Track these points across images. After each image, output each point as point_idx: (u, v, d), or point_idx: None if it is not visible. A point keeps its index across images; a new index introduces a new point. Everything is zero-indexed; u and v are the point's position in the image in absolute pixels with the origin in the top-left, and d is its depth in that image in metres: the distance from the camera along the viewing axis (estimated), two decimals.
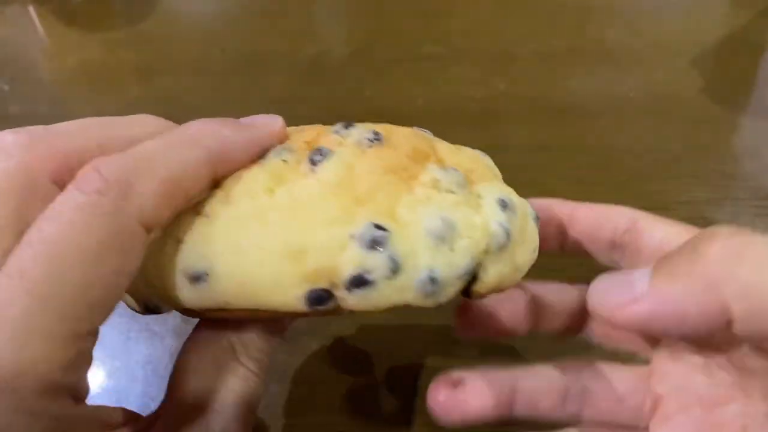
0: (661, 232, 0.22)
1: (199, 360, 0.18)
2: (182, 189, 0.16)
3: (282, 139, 0.20)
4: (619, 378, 0.22)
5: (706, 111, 0.43)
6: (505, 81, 0.46)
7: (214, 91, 0.47)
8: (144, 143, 0.17)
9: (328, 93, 0.47)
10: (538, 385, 0.22)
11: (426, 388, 0.22)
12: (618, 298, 0.19)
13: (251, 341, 0.19)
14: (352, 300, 0.17)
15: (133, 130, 0.18)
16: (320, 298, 0.17)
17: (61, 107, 0.47)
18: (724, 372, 0.20)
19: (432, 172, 0.19)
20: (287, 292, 0.17)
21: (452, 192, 0.18)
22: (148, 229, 0.16)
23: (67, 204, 0.15)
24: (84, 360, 0.15)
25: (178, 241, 0.17)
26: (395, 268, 0.17)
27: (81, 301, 0.15)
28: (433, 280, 0.17)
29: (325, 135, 0.19)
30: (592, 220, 0.23)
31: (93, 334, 0.15)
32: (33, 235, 0.15)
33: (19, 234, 0.15)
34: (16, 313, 0.14)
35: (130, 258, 0.15)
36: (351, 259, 0.17)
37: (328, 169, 0.18)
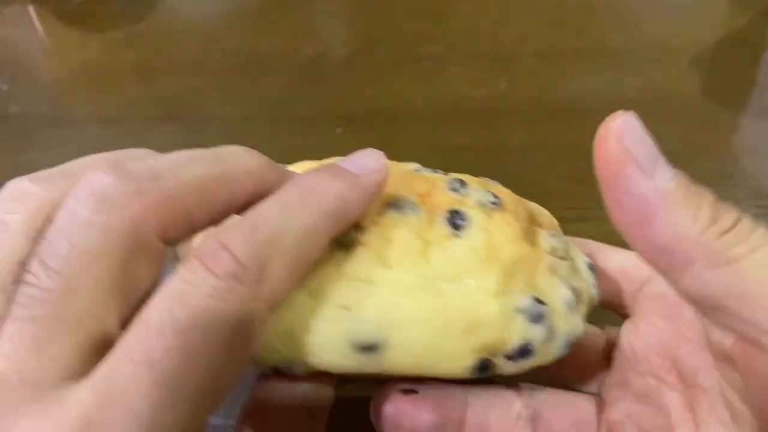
0: (619, 258, 0.22)
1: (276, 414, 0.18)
2: (309, 261, 0.16)
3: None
4: (573, 405, 0.21)
5: (705, 111, 0.43)
6: (505, 81, 0.46)
7: (214, 91, 0.47)
8: (262, 209, 0.16)
9: (328, 93, 0.47)
10: (490, 403, 0.20)
11: None
12: (639, 150, 0.16)
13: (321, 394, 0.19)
14: (511, 367, 0.18)
15: (232, 170, 0.16)
16: (484, 367, 0.18)
17: (61, 107, 0.47)
18: (674, 392, 0.19)
19: (546, 238, 0.20)
20: (458, 363, 0.17)
21: (564, 258, 0.20)
22: (273, 309, 0.15)
23: (201, 287, 0.14)
24: None
25: (344, 308, 0.17)
26: (550, 338, 0.18)
27: (208, 392, 0.14)
28: (569, 345, 0.19)
29: (441, 191, 0.19)
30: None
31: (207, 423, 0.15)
32: (164, 318, 0.13)
33: (127, 296, 0.14)
34: (143, 408, 0.12)
35: (255, 342, 0.15)
36: (518, 332, 0.17)
37: (473, 236, 0.18)
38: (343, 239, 0.18)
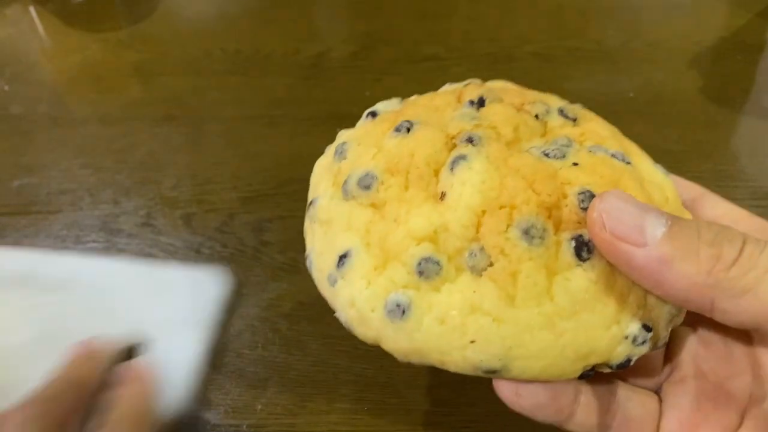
0: (722, 209, 0.21)
1: None
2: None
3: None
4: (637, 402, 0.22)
5: (704, 111, 0.44)
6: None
7: (215, 91, 0.48)
8: None
9: (328, 93, 0.47)
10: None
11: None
12: (623, 230, 0.17)
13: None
14: (609, 370, 0.20)
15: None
16: (587, 375, 0.20)
17: (61, 107, 0.47)
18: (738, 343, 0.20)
19: None
20: (568, 376, 0.19)
21: None
22: None
23: None
24: None
25: (471, 342, 0.19)
26: (652, 348, 0.20)
27: None
28: (655, 350, 0.20)
29: (570, 210, 0.19)
30: None
31: None
32: None
33: None
34: None
35: None
36: (624, 353, 0.19)
37: (595, 266, 0.19)
38: (476, 264, 0.19)
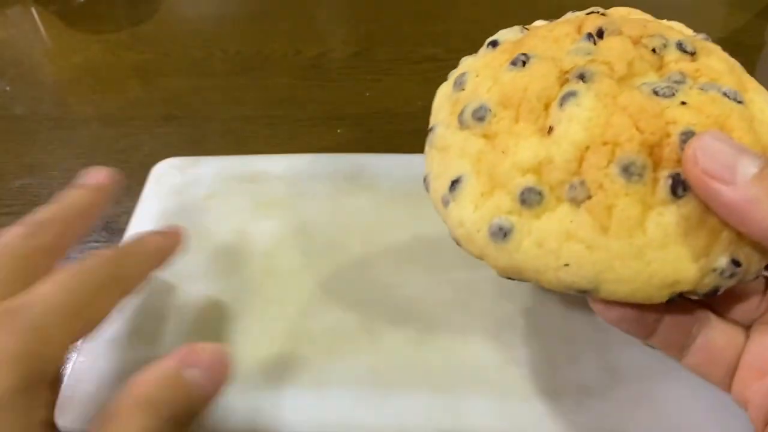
0: None
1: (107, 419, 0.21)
2: (144, 274, 0.27)
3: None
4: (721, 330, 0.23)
5: None
6: None
7: (215, 92, 0.48)
8: (122, 245, 0.29)
9: (329, 94, 0.47)
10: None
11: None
12: (715, 168, 0.18)
13: (149, 391, 0.22)
14: (696, 297, 0.21)
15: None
16: (673, 299, 0.21)
17: (63, 108, 0.48)
18: None
19: None
20: (655, 300, 0.21)
21: None
22: None
23: None
24: None
25: (565, 265, 0.20)
26: (742, 281, 0.21)
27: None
28: (746, 282, 0.22)
29: (673, 147, 0.20)
30: None
31: None
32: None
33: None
34: None
35: None
36: (712, 283, 0.20)
37: (690, 202, 0.20)
38: (576, 196, 0.20)
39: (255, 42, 0.53)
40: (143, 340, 0.29)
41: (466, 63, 0.26)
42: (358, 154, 0.35)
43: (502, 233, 0.21)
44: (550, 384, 0.27)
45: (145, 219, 0.36)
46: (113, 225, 0.38)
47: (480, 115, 0.22)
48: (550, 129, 0.21)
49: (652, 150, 0.20)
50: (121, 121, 0.46)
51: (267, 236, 0.34)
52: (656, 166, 0.20)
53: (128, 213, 0.39)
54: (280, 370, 0.28)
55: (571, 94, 0.21)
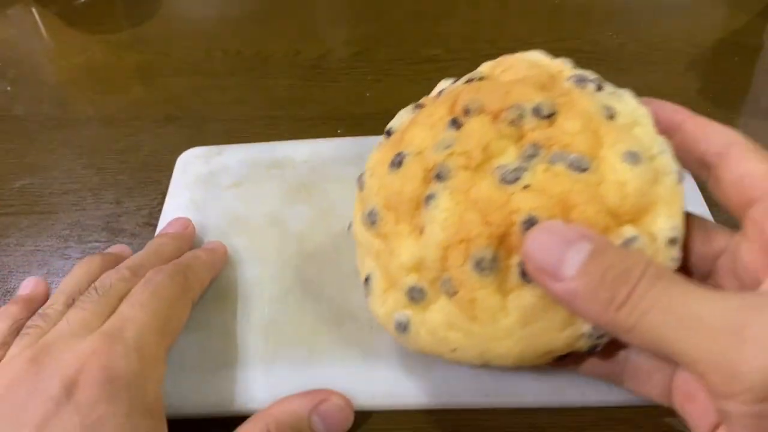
0: (746, 166, 0.21)
1: None
2: (204, 283, 0.31)
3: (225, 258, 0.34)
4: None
5: (703, 112, 0.43)
6: None
7: (216, 92, 0.48)
8: (181, 259, 0.30)
9: (329, 94, 0.47)
10: None
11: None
12: (544, 265, 0.20)
13: (282, 424, 0.25)
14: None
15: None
16: (564, 357, 0.24)
17: (64, 108, 0.48)
18: None
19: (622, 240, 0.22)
20: (542, 363, 0.24)
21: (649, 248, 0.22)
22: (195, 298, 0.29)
23: (162, 277, 0.28)
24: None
25: (454, 350, 0.23)
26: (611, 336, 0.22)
27: (168, 326, 0.26)
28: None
29: (514, 234, 0.22)
30: (692, 132, 0.23)
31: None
32: (147, 285, 0.27)
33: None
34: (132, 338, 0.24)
35: (191, 303, 0.29)
36: (586, 344, 0.23)
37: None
38: (448, 290, 0.23)
39: (255, 42, 0.53)
40: (186, 325, 0.30)
41: (369, 159, 0.28)
42: (380, 136, 0.35)
43: (402, 327, 0.24)
44: None
45: (176, 210, 0.36)
46: (114, 225, 0.38)
47: (372, 219, 0.25)
48: (422, 229, 0.23)
49: (502, 240, 0.22)
50: (121, 121, 0.46)
51: (298, 220, 0.35)
52: (508, 254, 0.22)
53: (129, 213, 0.39)
54: (324, 349, 0.29)
55: (431, 197, 0.23)
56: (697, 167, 0.23)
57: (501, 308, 0.22)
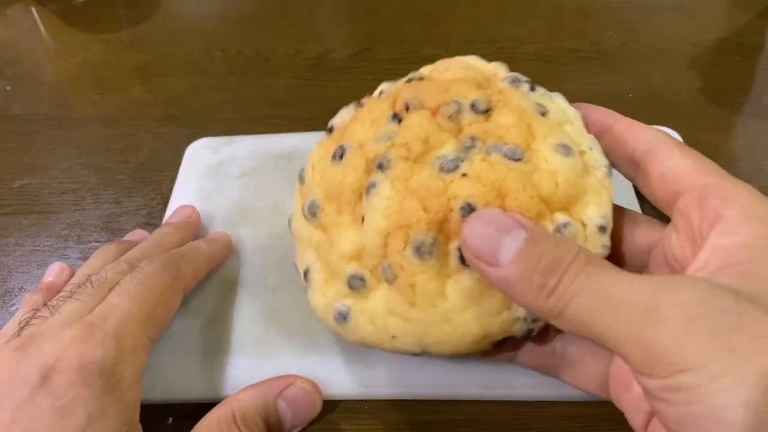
0: (671, 162, 0.22)
1: (209, 427, 0.25)
2: (201, 274, 0.31)
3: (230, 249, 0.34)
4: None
5: (703, 112, 0.44)
6: None
7: (216, 92, 0.48)
8: (178, 249, 0.30)
9: (329, 94, 0.47)
10: None
11: None
12: (481, 252, 0.20)
13: (248, 409, 0.25)
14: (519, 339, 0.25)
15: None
16: (502, 343, 0.24)
17: (63, 108, 0.48)
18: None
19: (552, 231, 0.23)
20: (479, 350, 0.24)
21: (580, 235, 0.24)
22: (186, 288, 0.29)
23: (154, 265, 0.28)
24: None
25: (393, 337, 0.24)
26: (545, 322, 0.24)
27: (155, 314, 0.26)
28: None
29: (452, 220, 0.23)
30: (622, 132, 0.24)
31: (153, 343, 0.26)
32: (136, 273, 0.27)
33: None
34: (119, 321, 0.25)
35: (181, 293, 0.29)
36: (522, 328, 0.24)
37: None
38: (388, 277, 0.23)
39: (255, 42, 0.53)
40: (181, 311, 0.30)
41: (311, 154, 0.28)
42: None
43: (342, 317, 0.25)
44: None
45: (184, 199, 0.37)
46: (113, 225, 0.38)
47: (313, 210, 0.25)
48: (363, 218, 0.24)
49: (441, 226, 0.23)
50: (121, 121, 0.46)
51: None
52: (447, 240, 0.23)
53: (128, 213, 0.39)
54: (324, 338, 0.29)
55: (372, 186, 0.23)
56: (627, 166, 0.24)
57: (440, 293, 0.23)
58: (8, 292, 0.35)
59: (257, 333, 0.30)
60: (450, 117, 0.24)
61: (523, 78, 0.27)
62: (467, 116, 0.24)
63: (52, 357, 0.23)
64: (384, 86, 0.29)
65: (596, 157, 0.24)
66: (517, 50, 0.50)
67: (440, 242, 0.23)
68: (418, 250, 0.22)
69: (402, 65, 0.49)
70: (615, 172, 0.25)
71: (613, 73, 0.48)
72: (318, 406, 0.27)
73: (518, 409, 0.28)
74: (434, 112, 0.25)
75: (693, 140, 0.40)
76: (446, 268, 0.23)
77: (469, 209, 0.22)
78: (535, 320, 0.23)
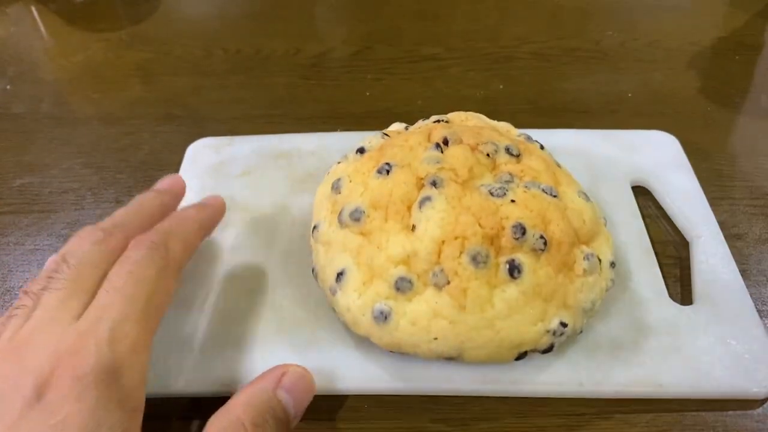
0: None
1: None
2: (193, 246, 0.29)
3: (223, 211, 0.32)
4: None
5: (703, 111, 0.44)
6: (504, 82, 0.47)
7: (215, 91, 0.48)
8: (164, 223, 0.28)
9: (329, 93, 0.47)
10: None
11: None
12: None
13: (254, 411, 0.25)
14: (538, 354, 0.27)
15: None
16: (521, 357, 0.26)
17: (63, 106, 0.48)
18: None
19: (580, 262, 0.27)
20: (506, 360, 0.26)
21: (592, 273, 0.27)
22: (179, 270, 0.27)
23: (138, 256, 0.26)
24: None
25: (435, 339, 0.25)
26: (571, 336, 0.27)
27: (150, 308, 0.25)
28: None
29: (507, 237, 0.26)
30: None
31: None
32: (120, 270, 0.25)
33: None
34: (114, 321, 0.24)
35: (173, 283, 0.27)
36: (547, 341, 0.26)
37: (525, 281, 0.25)
38: (438, 282, 0.25)
39: (255, 41, 0.53)
40: (185, 306, 0.31)
41: (339, 168, 0.31)
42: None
43: (383, 316, 0.26)
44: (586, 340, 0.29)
45: (184, 198, 0.36)
46: None
47: (356, 216, 0.27)
48: (414, 227, 0.26)
49: (492, 241, 0.25)
50: (121, 120, 0.46)
51: (303, 208, 0.36)
52: (497, 253, 0.25)
53: None
54: (326, 333, 0.30)
55: (427, 199, 0.26)
56: None
57: (488, 300, 0.25)
58: (8, 291, 0.35)
59: (259, 328, 0.30)
60: (488, 154, 0.28)
61: (533, 137, 0.32)
62: (502, 156, 0.29)
63: (46, 368, 0.22)
64: (395, 126, 0.33)
65: (599, 210, 0.29)
66: (518, 49, 0.50)
67: (492, 255, 0.25)
68: (474, 259, 0.25)
69: (402, 64, 0.49)
70: (618, 210, 0.28)
71: (613, 72, 0.48)
72: (314, 389, 0.26)
73: (519, 407, 0.28)
74: (473, 148, 0.28)
75: (692, 140, 0.40)
76: (495, 278, 0.25)
77: (520, 229, 0.25)
78: (561, 333, 0.26)
